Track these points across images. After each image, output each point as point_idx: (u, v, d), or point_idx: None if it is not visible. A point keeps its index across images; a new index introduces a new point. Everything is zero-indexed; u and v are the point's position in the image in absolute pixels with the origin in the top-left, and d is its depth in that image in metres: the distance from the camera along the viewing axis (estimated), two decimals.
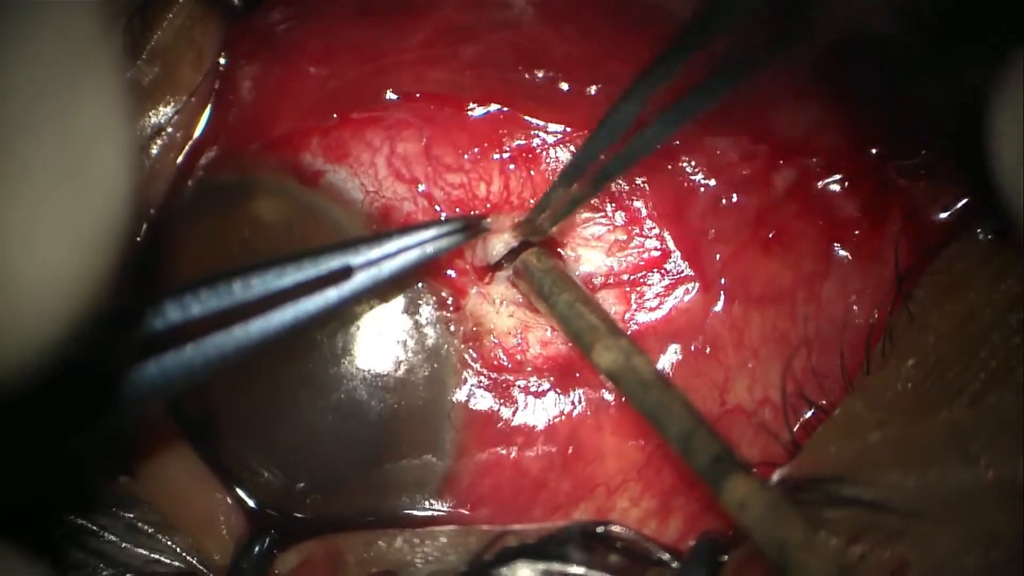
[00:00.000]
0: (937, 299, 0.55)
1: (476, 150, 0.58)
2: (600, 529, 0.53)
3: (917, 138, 0.58)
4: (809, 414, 0.56)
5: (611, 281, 0.58)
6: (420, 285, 0.58)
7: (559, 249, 0.59)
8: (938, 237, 0.58)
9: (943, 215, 0.58)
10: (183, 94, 0.60)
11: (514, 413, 0.58)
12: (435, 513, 0.58)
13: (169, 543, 0.57)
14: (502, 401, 0.58)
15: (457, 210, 0.58)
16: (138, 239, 0.60)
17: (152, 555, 0.56)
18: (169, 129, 0.60)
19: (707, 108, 0.41)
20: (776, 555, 0.43)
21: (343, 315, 0.58)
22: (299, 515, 0.59)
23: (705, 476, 0.46)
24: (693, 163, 0.58)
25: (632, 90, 0.42)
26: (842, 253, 0.58)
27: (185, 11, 0.59)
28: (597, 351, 0.51)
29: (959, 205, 0.58)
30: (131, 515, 0.57)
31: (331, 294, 0.50)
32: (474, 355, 0.58)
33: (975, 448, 0.45)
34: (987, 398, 0.48)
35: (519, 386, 0.58)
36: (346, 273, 0.50)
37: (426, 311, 0.58)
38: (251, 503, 0.59)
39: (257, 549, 0.57)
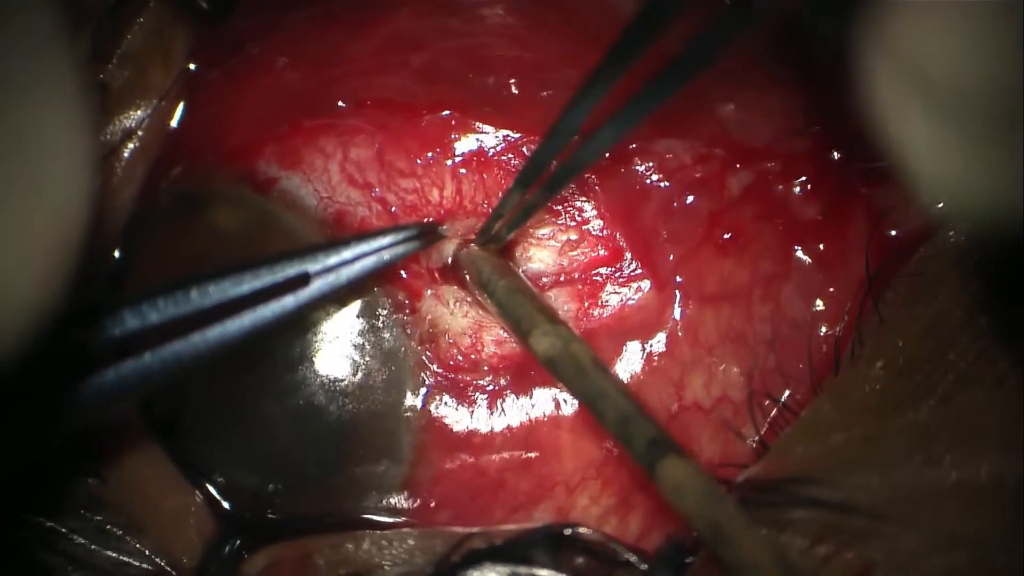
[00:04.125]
0: (907, 301, 0.55)
1: (429, 155, 0.58)
2: (567, 531, 0.53)
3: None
4: (775, 414, 0.56)
5: (562, 279, 0.58)
6: (376, 289, 0.58)
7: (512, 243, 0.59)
8: (909, 240, 0.57)
9: (915, 216, 0.58)
10: (153, 97, 0.60)
11: (471, 413, 0.58)
12: (398, 515, 0.58)
13: (138, 545, 0.56)
14: (459, 401, 0.58)
15: (412, 215, 0.58)
16: (111, 244, 0.60)
17: (121, 557, 0.56)
18: (140, 132, 0.60)
19: (657, 108, 0.40)
20: (711, 535, 0.43)
21: (302, 320, 0.58)
22: (268, 516, 0.59)
23: (641, 460, 0.46)
24: (645, 165, 0.57)
25: (582, 91, 0.42)
26: (803, 255, 0.58)
27: (155, 15, 0.59)
28: (535, 337, 0.51)
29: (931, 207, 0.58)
30: (100, 517, 0.56)
31: (288, 301, 0.51)
32: (430, 356, 0.58)
33: (939, 449, 0.45)
34: (955, 400, 0.48)
35: (476, 386, 0.58)
36: (303, 280, 0.51)
37: (383, 314, 0.58)
38: (224, 504, 0.59)
39: (226, 551, 0.57)
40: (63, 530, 0.55)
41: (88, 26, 0.55)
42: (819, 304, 0.58)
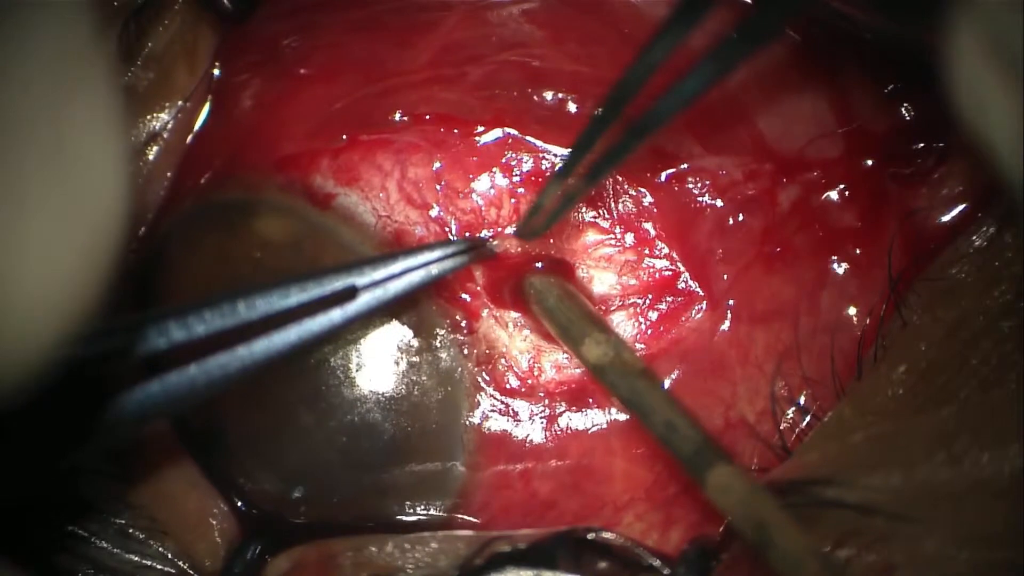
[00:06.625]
0: (930, 305, 0.57)
1: (486, 175, 0.60)
2: (590, 535, 0.55)
3: (912, 146, 0.60)
4: (801, 420, 0.58)
5: (621, 303, 0.61)
6: (434, 308, 0.60)
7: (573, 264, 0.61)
8: (933, 243, 0.60)
9: (938, 221, 0.60)
10: (178, 99, 0.62)
11: (526, 437, 0.60)
12: (446, 531, 0.60)
13: (160, 548, 0.59)
14: (515, 425, 0.60)
15: (467, 234, 0.60)
16: (135, 247, 0.62)
17: (143, 561, 0.58)
18: (165, 135, 0.62)
19: (694, 99, 0.43)
20: (756, 536, 0.46)
21: (358, 336, 0.60)
22: (293, 520, 0.61)
23: (688, 464, 0.49)
24: (699, 184, 0.60)
25: (623, 80, 0.44)
26: (841, 262, 0.60)
27: (179, 16, 0.61)
28: (587, 345, 0.54)
29: (954, 212, 0.60)
30: (122, 520, 0.58)
31: (335, 314, 0.52)
32: (487, 378, 0.60)
33: (960, 449, 0.46)
34: (976, 403, 0.49)
35: (532, 410, 0.60)
36: (351, 293, 0.52)
37: (440, 334, 0.60)
38: (244, 507, 0.61)
39: (248, 554, 0.59)
40: (85, 533, 0.57)
41: (115, 27, 0.57)
42: (849, 309, 0.60)
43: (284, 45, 0.63)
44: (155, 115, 0.62)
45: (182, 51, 0.62)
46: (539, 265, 0.60)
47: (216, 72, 0.64)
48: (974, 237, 0.58)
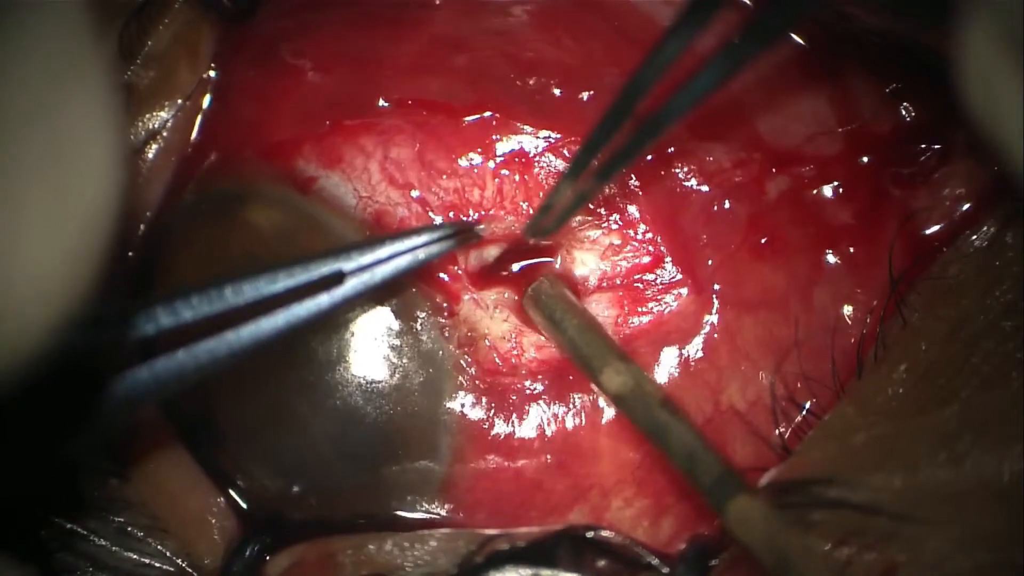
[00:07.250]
0: (931, 305, 0.57)
1: (469, 156, 0.60)
2: (590, 534, 0.55)
3: (913, 146, 0.61)
4: (800, 419, 0.59)
5: (604, 285, 0.61)
6: (414, 291, 0.61)
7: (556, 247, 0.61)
8: (934, 244, 0.60)
9: (939, 221, 0.60)
10: (179, 97, 0.62)
11: (509, 417, 0.60)
12: (431, 517, 0.61)
13: (159, 547, 0.59)
14: (498, 405, 0.60)
15: (451, 215, 0.61)
16: (135, 245, 0.63)
17: (142, 559, 0.59)
18: (165, 132, 0.62)
19: (705, 97, 0.43)
20: (777, 568, 0.46)
21: (339, 322, 0.60)
22: (292, 518, 0.61)
23: (708, 495, 0.49)
24: (686, 169, 0.60)
25: (635, 78, 0.44)
26: (836, 259, 0.60)
27: (181, 15, 0.61)
28: (607, 375, 0.54)
29: (955, 212, 0.60)
30: (121, 519, 0.59)
31: (323, 299, 0.52)
32: (469, 360, 0.61)
33: (961, 449, 0.47)
34: (978, 402, 0.50)
35: (514, 390, 0.60)
36: (338, 278, 0.52)
37: (421, 317, 0.61)
38: (244, 505, 0.61)
39: (248, 552, 0.59)
40: (84, 531, 0.58)
41: (116, 26, 0.57)
42: (847, 308, 0.60)
43: (282, 43, 0.63)
44: (155, 113, 0.62)
45: (183, 50, 0.62)
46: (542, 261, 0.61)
47: (213, 71, 0.64)
48: (975, 237, 0.58)
